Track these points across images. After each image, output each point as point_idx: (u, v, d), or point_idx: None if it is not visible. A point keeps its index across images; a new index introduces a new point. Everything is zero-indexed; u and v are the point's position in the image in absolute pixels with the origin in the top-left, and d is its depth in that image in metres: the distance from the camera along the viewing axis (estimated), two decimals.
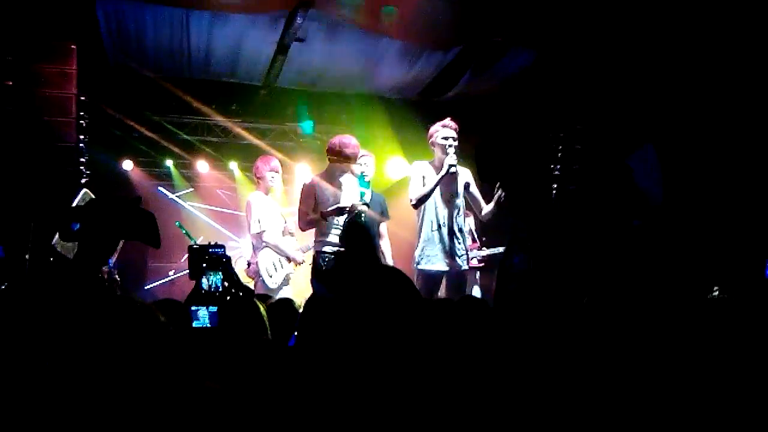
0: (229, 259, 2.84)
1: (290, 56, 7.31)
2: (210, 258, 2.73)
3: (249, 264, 5.79)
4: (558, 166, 7.82)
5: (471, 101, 8.08)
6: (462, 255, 5.30)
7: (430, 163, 5.39)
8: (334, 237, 5.14)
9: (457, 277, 5.26)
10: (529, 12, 6.50)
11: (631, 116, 6.75)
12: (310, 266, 5.30)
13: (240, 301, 2.59)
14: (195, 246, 2.90)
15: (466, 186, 5.43)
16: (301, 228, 5.30)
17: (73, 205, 5.21)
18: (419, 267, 5.19)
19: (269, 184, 5.86)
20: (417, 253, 5.26)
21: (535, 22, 6.60)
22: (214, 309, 2.51)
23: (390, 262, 5.54)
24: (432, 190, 5.20)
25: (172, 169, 8.88)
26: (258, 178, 5.93)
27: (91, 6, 6.22)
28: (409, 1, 6.39)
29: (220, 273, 2.69)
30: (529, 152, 6.63)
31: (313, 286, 5.14)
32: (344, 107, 8.25)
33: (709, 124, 6.00)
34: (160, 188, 9.14)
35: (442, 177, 5.17)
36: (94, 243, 1.87)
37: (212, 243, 2.95)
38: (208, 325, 2.49)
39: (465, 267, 5.31)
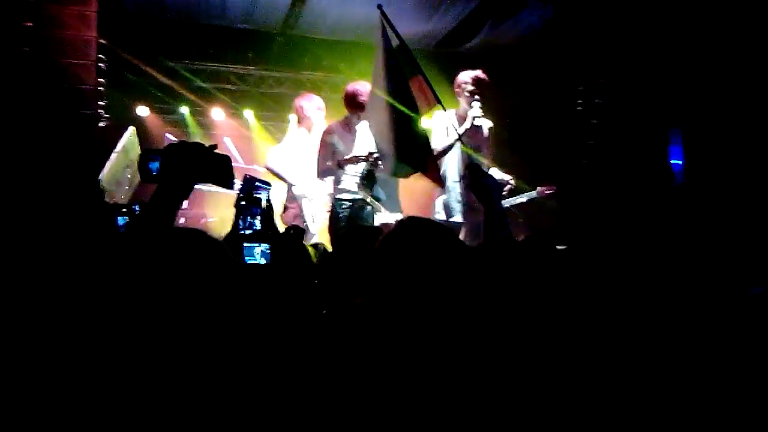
0: (269, 203, 2.90)
1: (308, 4, 7.23)
2: (250, 197, 2.78)
3: (285, 208, 5.68)
4: (577, 121, 7.74)
5: (490, 53, 7.99)
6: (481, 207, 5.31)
7: (455, 112, 5.37)
8: (351, 185, 5.15)
9: (476, 229, 5.28)
10: None
11: (653, 71, 6.67)
12: (328, 213, 5.32)
13: (292, 241, 2.63)
14: (248, 176, 2.98)
15: (488, 137, 5.44)
16: (318, 176, 5.30)
17: (121, 143, 5.24)
18: (438, 218, 5.22)
19: (314, 123, 5.76)
20: (437, 203, 5.30)
21: None
22: (266, 246, 2.56)
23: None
24: (454, 143, 5.19)
25: (188, 116, 8.86)
26: (304, 117, 5.81)
27: None
28: None
29: (258, 214, 2.75)
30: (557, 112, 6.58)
31: (330, 233, 5.18)
32: (362, 57, 8.15)
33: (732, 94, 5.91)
34: (168, 135, 9.14)
35: (466, 129, 5.15)
36: (173, 184, 1.90)
37: (260, 179, 3.02)
38: (261, 262, 2.54)
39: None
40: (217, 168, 2.03)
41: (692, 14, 6.18)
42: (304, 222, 5.55)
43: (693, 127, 5.96)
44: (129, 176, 5.24)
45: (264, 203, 3.00)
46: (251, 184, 3.04)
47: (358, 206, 5.12)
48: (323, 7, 7.35)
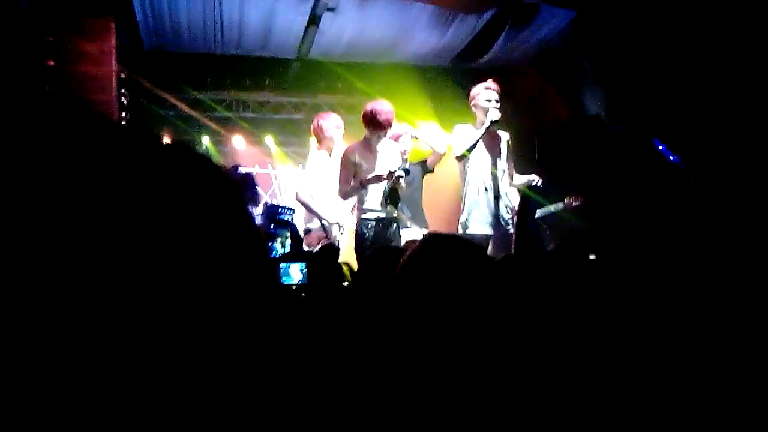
0: (294, 225, 2.91)
1: (322, 27, 7.30)
2: (278, 221, 2.79)
3: (308, 231, 5.64)
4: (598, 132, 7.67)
5: (506, 67, 7.99)
6: (508, 218, 5.30)
7: (472, 125, 5.41)
8: (374, 204, 5.14)
9: (503, 241, 5.26)
10: None
11: (671, 89, 6.59)
12: (353, 234, 5.30)
13: (327, 260, 2.62)
14: (269, 203, 2.99)
15: (507, 147, 5.44)
16: (341, 197, 5.29)
17: None
18: (467, 231, 5.19)
19: (334, 143, 5.75)
20: (463, 217, 5.29)
21: None
22: (303, 266, 2.56)
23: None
24: (475, 144, 5.26)
25: (209, 146, 8.94)
26: (324, 137, 5.78)
27: None
28: None
29: (288, 234, 2.76)
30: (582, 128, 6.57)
31: (356, 253, 5.16)
32: (377, 77, 8.21)
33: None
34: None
35: (487, 129, 5.24)
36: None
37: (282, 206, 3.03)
38: (298, 282, 2.54)
39: (511, 230, 5.31)
40: (244, 188, 2.02)
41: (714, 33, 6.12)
42: (330, 242, 5.53)
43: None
44: None
45: (295, 231, 3.03)
46: (273, 211, 3.05)
47: (383, 225, 5.10)
48: (336, 31, 7.41)
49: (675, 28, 6.40)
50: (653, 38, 6.66)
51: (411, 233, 5.15)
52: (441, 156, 5.58)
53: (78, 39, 5.82)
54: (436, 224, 5.72)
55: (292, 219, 3.18)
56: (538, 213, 5.60)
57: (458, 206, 5.45)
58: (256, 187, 1.98)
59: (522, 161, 5.98)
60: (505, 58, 7.91)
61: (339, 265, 2.71)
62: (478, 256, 2.02)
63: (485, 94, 5.32)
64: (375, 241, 5.06)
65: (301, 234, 5.08)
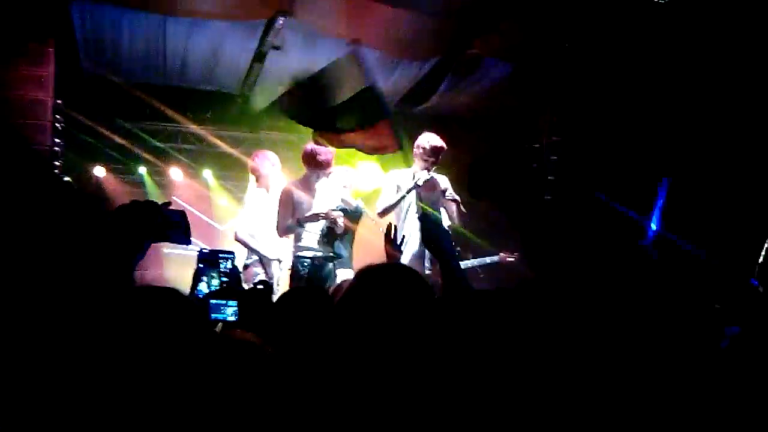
0: (234, 270, 2.87)
1: (267, 64, 7.32)
2: (208, 261, 2.75)
3: (246, 266, 5.61)
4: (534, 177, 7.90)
5: (448, 112, 8.17)
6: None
7: (407, 170, 5.48)
8: (311, 242, 5.14)
9: (434, 287, 5.29)
10: (505, 25, 6.62)
11: (608, 129, 6.88)
12: (289, 271, 5.28)
13: (259, 296, 2.59)
14: (205, 251, 2.95)
15: (443, 192, 5.51)
16: (279, 234, 5.28)
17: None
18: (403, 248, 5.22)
19: (271, 180, 5.74)
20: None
21: (512, 36, 6.71)
22: (234, 303, 2.52)
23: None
24: (398, 202, 5.30)
25: (145, 176, 8.80)
26: (261, 175, 5.79)
27: (65, 10, 6.16)
28: (387, 11, 6.45)
29: (218, 276, 2.72)
30: (515, 168, 6.76)
31: None
32: None
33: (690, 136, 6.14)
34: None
35: (409, 191, 5.34)
36: (125, 246, 1.84)
37: (221, 250, 2.99)
38: (229, 319, 2.50)
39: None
40: (171, 225, 1.98)
41: (645, 71, 6.43)
42: (270, 281, 5.50)
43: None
44: None
45: (227, 271, 2.99)
46: (210, 258, 3.01)
47: (319, 263, 5.10)
48: (281, 68, 7.43)
49: (613, 72, 6.70)
50: (593, 83, 6.95)
51: (345, 274, 5.16)
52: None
53: (15, 63, 5.68)
54: (368, 259, 5.71)
55: (232, 263, 3.14)
56: (474, 262, 5.71)
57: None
58: (187, 225, 1.97)
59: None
60: (447, 105, 8.08)
61: (272, 303, 2.68)
62: (416, 283, 2.01)
63: (429, 150, 5.40)
64: (311, 278, 5.05)
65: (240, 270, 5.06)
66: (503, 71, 7.42)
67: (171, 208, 2.02)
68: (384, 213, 5.37)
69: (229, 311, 2.54)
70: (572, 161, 7.20)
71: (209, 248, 3.17)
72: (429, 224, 2.56)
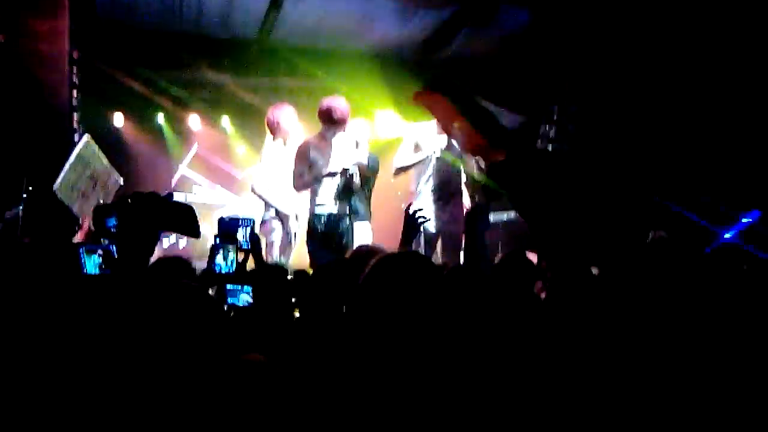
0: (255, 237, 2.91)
1: (284, 11, 7.21)
2: (225, 235, 2.78)
3: (264, 221, 5.63)
4: (552, 128, 7.80)
5: (467, 60, 8.04)
6: (458, 217, 5.38)
7: (428, 125, 5.45)
8: (327, 199, 5.16)
9: (451, 239, 5.35)
10: None
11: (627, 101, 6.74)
12: (306, 227, 5.32)
13: (274, 281, 2.62)
14: (225, 218, 2.99)
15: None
16: (295, 189, 5.30)
17: (75, 152, 5.17)
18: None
19: (288, 133, 5.72)
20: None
21: None
22: (248, 289, 2.56)
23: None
24: (412, 165, 5.37)
25: (164, 124, 8.80)
26: (278, 129, 5.74)
27: None
28: None
29: (234, 250, 2.76)
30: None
31: (308, 246, 5.20)
32: (338, 64, 8.16)
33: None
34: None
35: (422, 159, 5.39)
36: (133, 239, 1.85)
37: (242, 217, 3.02)
38: (244, 304, 2.54)
39: (460, 230, 5.38)
40: (178, 216, 1.99)
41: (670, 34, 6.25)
42: (288, 236, 5.55)
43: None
44: (100, 191, 5.20)
45: (246, 239, 3.03)
46: (230, 224, 3.06)
47: (335, 219, 5.12)
48: (299, 15, 7.33)
49: (632, 31, 6.52)
50: (610, 38, 6.78)
51: (362, 228, 5.19)
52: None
53: (30, 16, 5.66)
54: (383, 221, 5.74)
55: (252, 229, 3.18)
56: (492, 218, 5.71)
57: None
58: (194, 216, 1.99)
59: None
60: (466, 53, 7.94)
61: (287, 286, 2.71)
62: (431, 274, 2.06)
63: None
64: (326, 235, 5.09)
65: (259, 232, 5.09)
66: (521, 20, 7.24)
67: (177, 201, 2.03)
68: (399, 172, 5.39)
69: (244, 297, 2.58)
70: (589, 132, 7.10)
71: (228, 216, 3.21)
72: (475, 218, 2.65)
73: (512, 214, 6.23)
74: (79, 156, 5.20)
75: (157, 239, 1.90)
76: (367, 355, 1.82)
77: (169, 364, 1.51)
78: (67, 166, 5.07)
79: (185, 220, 2.02)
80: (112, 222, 1.99)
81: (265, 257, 5.32)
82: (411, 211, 3.13)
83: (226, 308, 2.54)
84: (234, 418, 1.48)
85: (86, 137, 5.42)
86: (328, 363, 1.77)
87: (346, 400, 1.64)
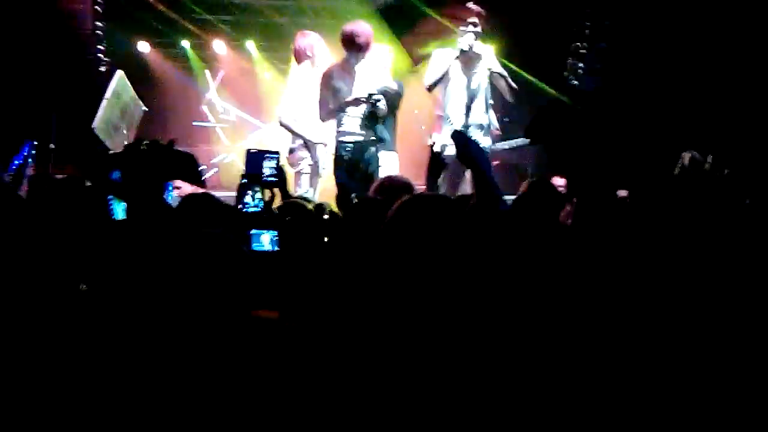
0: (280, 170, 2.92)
1: None
2: (252, 175, 2.79)
3: (291, 150, 5.60)
4: (584, 44, 7.54)
5: None
6: (485, 139, 5.33)
7: (452, 48, 5.35)
8: (353, 127, 5.12)
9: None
10: None
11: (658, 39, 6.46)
12: (333, 156, 5.31)
13: (300, 225, 2.63)
14: (251, 151, 3.00)
15: (489, 69, 5.39)
16: (321, 118, 5.25)
17: (111, 89, 5.20)
18: (444, 154, 5.20)
19: (314, 62, 5.60)
20: (440, 138, 5.31)
21: None
22: (274, 233, 2.57)
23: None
24: (443, 75, 5.25)
25: (188, 50, 8.74)
26: (306, 56, 5.62)
27: None
28: None
29: (261, 189, 2.77)
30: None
31: (335, 175, 5.21)
32: None
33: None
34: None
35: (456, 58, 5.24)
36: (140, 188, 1.86)
37: (268, 150, 3.02)
38: (268, 249, 2.56)
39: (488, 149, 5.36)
40: (181, 165, 1.99)
41: None
42: (316, 165, 5.54)
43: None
44: (126, 122, 5.25)
45: (272, 172, 3.05)
46: (257, 158, 3.06)
47: (361, 148, 5.10)
48: None
49: None
50: None
51: (388, 157, 5.16)
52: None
53: None
54: (407, 148, 5.72)
55: (278, 163, 3.21)
56: (507, 144, 5.70)
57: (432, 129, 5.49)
58: (196, 164, 2.00)
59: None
60: None
61: (313, 230, 2.71)
62: (457, 215, 2.07)
63: (464, 16, 5.24)
64: (352, 163, 5.08)
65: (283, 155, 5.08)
66: None
67: (177, 149, 2.02)
68: (433, 86, 5.34)
69: (269, 241, 2.60)
70: (624, 30, 6.84)
71: (256, 149, 3.21)
72: (461, 140, 2.55)
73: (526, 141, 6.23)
74: (114, 92, 5.24)
75: (163, 190, 1.91)
76: (390, 305, 1.85)
77: (181, 319, 1.57)
78: (104, 102, 5.11)
79: (188, 169, 2.03)
80: (117, 175, 1.99)
81: (293, 188, 5.40)
82: (436, 148, 3.09)
83: (249, 253, 2.57)
84: (240, 379, 1.54)
85: (119, 73, 5.42)
86: (346, 318, 1.81)
87: (362, 361, 1.68)
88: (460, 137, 2.57)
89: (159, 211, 1.88)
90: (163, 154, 1.90)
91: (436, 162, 3.44)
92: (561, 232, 3.43)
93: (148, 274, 1.76)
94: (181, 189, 3.01)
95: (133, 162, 1.87)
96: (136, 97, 5.82)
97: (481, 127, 5.38)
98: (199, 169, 2.04)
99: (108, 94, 5.06)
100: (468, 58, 5.31)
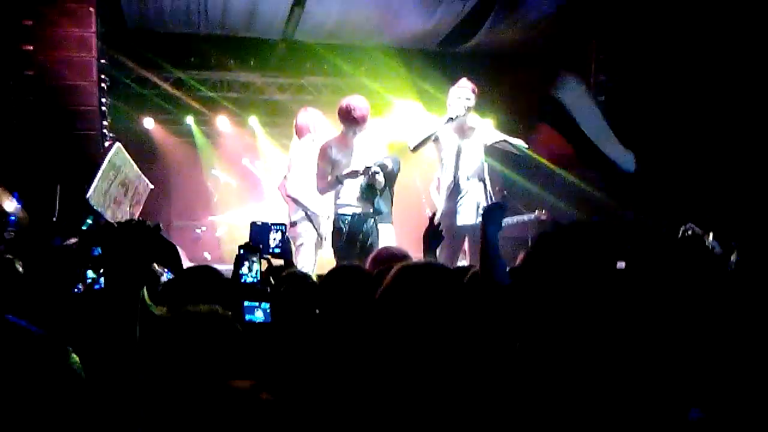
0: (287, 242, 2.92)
1: (307, 8, 7.23)
2: (249, 246, 2.79)
3: (293, 224, 5.60)
4: None
5: (492, 50, 7.97)
6: (477, 211, 5.34)
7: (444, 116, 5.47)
8: (351, 199, 5.15)
9: (476, 236, 5.34)
10: None
11: (656, 65, 6.60)
12: (331, 230, 5.32)
13: (293, 298, 2.61)
14: (256, 223, 3.01)
15: (492, 138, 5.47)
16: (319, 191, 5.29)
17: (107, 159, 5.26)
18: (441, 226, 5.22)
19: (314, 137, 5.68)
20: (438, 210, 5.35)
21: None
22: (266, 306, 2.56)
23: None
24: (427, 139, 5.33)
25: (193, 126, 8.92)
26: (305, 131, 5.73)
27: None
28: None
29: (258, 261, 2.77)
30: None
31: (334, 247, 5.21)
32: (363, 60, 8.17)
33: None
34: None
35: (445, 123, 5.32)
36: (120, 271, 1.81)
37: (273, 222, 3.03)
38: (261, 321, 2.55)
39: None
40: (164, 251, 1.95)
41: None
42: (319, 237, 5.57)
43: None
44: (129, 197, 5.29)
45: (279, 244, 3.06)
46: (262, 230, 3.08)
47: (359, 220, 5.12)
48: (322, 12, 7.34)
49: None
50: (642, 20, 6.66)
51: (385, 230, 5.18)
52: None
53: (57, 23, 5.75)
54: (404, 221, 5.76)
55: (284, 235, 3.23)
56: (510, 221, 5.79)
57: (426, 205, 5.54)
58: (178, 254, 2.02)
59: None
60: (492, 42, 7.85)
61: (307, 303, 2.69)
62: (451, 284, 2.05)
63: (456, 92, 5.38)
64: (351, 235, 5.08)
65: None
66: (549, 5, 7.13)
67: (162, 235, 2.00)
68: (416, 148, 5.38)
69: (261, 314, 2.59)
70: (620, 101, 6.97)
71: (260, 221, 3.24)
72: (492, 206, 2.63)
73: (531, 216, 6.42)
74: (110, 163, 5.30)
75: (145, 272, 1.84)
76: (383, 374, 1.82)
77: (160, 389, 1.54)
78: (99, 173, 5.17)
79: (170, 256, 2.00)
80: (98, 251, 1.97)
81: (294, 260, 5.39)
82: (435, 221, 3.12)
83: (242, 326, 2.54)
84: None
85: (117, 145, 5.51)
86: (326, 389, 1.78)
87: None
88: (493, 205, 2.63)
89: (136, 288, 1.81)
90: (146, 236, 1.84)
91: (434, 234, 3.45)
92: (556, 303, 3.38)
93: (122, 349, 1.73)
94: None
95: (115, 240, 1.82)
96: (141, 173, 5.89)
97: (472, 198, 5.42)
98: (180, 262, 2.04)
99: (103, 165, 5.12)
100: (460, 129, 5.39)
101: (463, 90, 5.35)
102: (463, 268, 3.51)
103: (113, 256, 1.78)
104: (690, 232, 4.37)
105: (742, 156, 5.74)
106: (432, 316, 1.90)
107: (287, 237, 3.38)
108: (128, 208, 5.32)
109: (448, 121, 5.30)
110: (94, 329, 1.80)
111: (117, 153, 5.45)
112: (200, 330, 1.76)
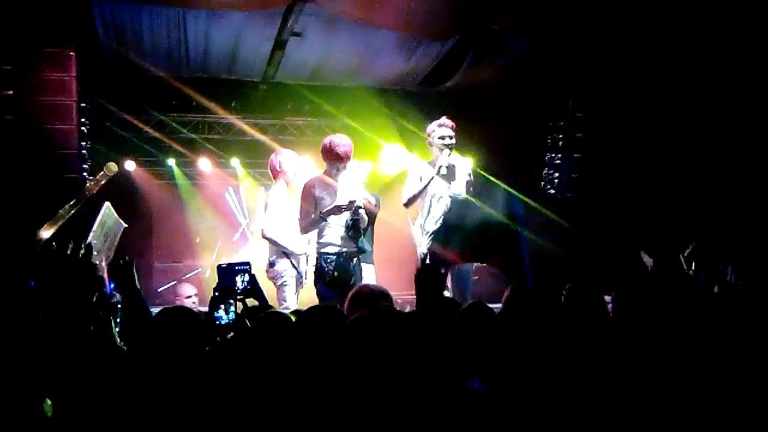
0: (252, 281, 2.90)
1: (288, 51, 7.31)
2: (224, 288, 2.78)
3: (272, 264, 5.58)
4: (558, 155, 7.79)
5: (471, 89, 8.09)
6: (465, 249, 5.35)
7: (429, 163, 5.49)
8: (335, 238, 5.12)
9: (459, 273, 5.36)
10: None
11: (632, 103, 6.74)
12: (314, 268, 5.29)
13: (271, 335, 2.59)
14: (222, 266, 2.99)
15: (469, 175, 5.51)
16: (302, 229, 5.27)
17: (97, 221, 5.22)
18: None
19: (289, 178, 5.70)
20: (421, 250, 5.34)
21: (532, 9, 6.56)
22: None
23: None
24: (422, 191, 5.35)
25: (175, 168, 8.88)
26: (279, 172, 5.73)
27: (87, 10, 6.22)
28: None
29: (234, 303, 2.76)
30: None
31: (317, 287, 5.17)
32: (344, 100, 8.25)
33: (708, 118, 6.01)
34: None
35: (432, 178, 5.36)
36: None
37: (238, 263, 3.02)
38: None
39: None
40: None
41: (669, 46, 6.26)
42: (299, 277, 5.53)
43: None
44: (108, 244, 5.25)
45: (245, 284, 3.04)
46: (228, 272, 3.07)
47: (344, 259, 5.08)
48: (302, 54, 7.43)
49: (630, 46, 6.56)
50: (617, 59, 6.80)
51: (366, 269, 5.17)
52: None
53: (37, 68, 5.77)
54: (386, 261, 5.77)
55: (250, 274, 3.21)
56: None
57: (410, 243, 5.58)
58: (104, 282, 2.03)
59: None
60: (469, 83, 7.98)
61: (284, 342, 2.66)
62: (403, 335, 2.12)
63: (439, 131, 5.40)
64: (336, 275, 5.04)
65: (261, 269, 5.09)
66: (525, 45, 7.26)
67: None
68: (410, 202, 5.44)
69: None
70: (598, 138, 7.09)
71: (226, 264, 3.22)
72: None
73: None
74: (100, 223, 5.25)
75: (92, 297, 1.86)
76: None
77: None
78: (90, 235, 5.11)
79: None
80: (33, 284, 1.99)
81: (278, 302, 5.34)
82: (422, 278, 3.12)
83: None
84: None
85: (106, 204, 5.45)
86: None
87: None
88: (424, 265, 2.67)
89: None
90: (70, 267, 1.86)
91: (424, 273, 3.45)
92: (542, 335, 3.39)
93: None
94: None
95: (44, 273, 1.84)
96: (118, 217, 5.85)
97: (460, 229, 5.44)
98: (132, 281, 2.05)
99: (94, 226, 5.08)
100: (448, 171, 5.43)
101: (445, 129, 5.39)
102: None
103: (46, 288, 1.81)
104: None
105: (717, 208, 5.85)
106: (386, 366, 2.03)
107: (254, 276, 3.35)
108: (106, 253, 5.25)
109: (438, 171, 5.32)
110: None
111: (106, 212, 5.40)
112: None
